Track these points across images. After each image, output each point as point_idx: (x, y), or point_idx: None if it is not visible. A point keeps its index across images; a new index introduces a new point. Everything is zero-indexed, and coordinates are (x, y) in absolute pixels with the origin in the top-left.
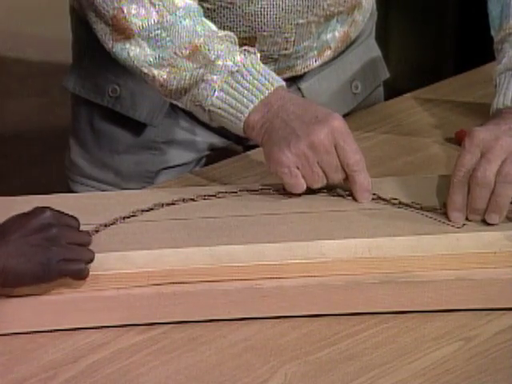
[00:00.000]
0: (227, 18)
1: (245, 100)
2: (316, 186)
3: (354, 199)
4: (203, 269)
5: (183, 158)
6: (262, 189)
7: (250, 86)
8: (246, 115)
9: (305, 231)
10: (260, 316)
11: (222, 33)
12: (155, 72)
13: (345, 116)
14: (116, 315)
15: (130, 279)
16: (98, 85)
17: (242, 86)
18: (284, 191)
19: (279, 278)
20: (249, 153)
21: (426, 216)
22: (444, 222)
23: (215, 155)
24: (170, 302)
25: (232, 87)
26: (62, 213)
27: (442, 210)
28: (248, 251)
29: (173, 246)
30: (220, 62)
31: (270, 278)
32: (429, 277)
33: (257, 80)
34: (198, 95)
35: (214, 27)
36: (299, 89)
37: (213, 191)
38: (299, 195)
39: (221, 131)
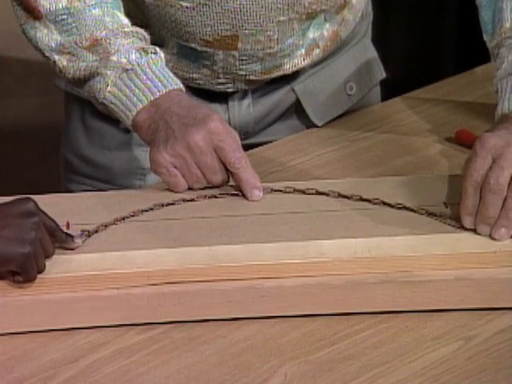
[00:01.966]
0: (207, 16)
1: (135, 99)
2: (196, 186)
3: (375, 203)
4: (203, 269)
5: None
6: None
7: (142, 86)
8: (134, 114)
9: (304, 231)
10: (260, 316)
11: (130, 28)
12: (56, 57)
13: (339, 117)
14: (116, 315)
15: (129, 279)
16: None
17: (134, 85)
18: (284, 191)
19: (279, 277)
20: (248, 153)
21: (426, 216)
22: (444, 222)
23: None
24: (170, 301)
25: (125, 84)
26: (45, 214)
27: (441, 213)
28: (247, 251)
29: (172, 246)
30: (115, 58)
31: (270, 277)
32: (428, 277)
33: (150, 80)
34: (93, 87)
35: (125, 21)
36: (293, 90)
37: (213, 191)
38: (299, 195)
39: None
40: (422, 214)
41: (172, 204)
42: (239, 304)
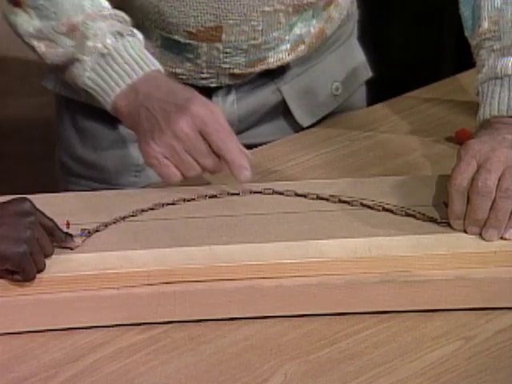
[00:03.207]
0: (190, 7)
1: (112, 83)
2: (190, 174)
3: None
4: (203, 268)
5: None
6: (262, 189)
7: (120, 70)
8: (113, 98)
9: (304, 231)
10: (260, 315)
11: (109, 11)
12: (35, 43)
13: (326, 117)
14: (116, 315)
15: (129, 279)
16: None
17: (111, 69)
18: (284, 191)
19: (279, 277)
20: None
21: (426, 216)
22: (444, 222)
23: None
24: (170, 301)
25: (102, 69)
26: (42, 213)
27: (441, 220)
28: (247, 251)
29: (173, 246)
30: (91, 44)
31: (270, 277)
32: (429, 276)
33: (127, 64)
34: (72, 73)
35: (105, 4)
36: (279, 90)
37: (213, 191)
38: (299, 195)
39: None
40: (423, 220)
41: (172, 204)
42: (239, 304)
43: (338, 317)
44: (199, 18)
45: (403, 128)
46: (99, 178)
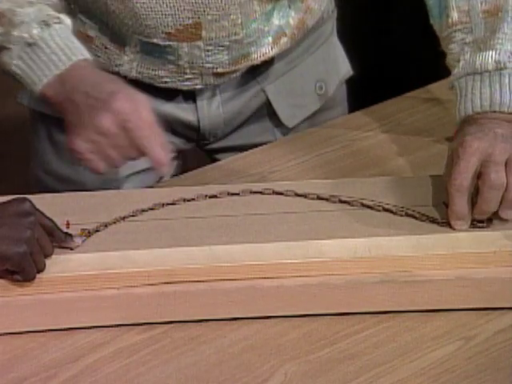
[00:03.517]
0: (167, 5)
1: (39, 72)
2: (118, 166)
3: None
4: (203, 268)
5: (147, 163)
6: (262, 189)
7: (46, 60)
8: (40, 88)
9: (304, 231)
10: (260, 316)
11: None
12: None
13: (310, 117)
14: (116, 315)
15: (129, 279)
16: None
17: (38, 58)
18: (284, 191)
19: (279, 277)
20: (248, 153)
21: (426, 216)
22: (444, 222)
23: (185, 157)
24: (170, 301)
25: (30, 58)
26: (41, 213)
27: (441, 220)
28: (248, 251)
29: (172, 246)
30: (17, 33)
31: (270, 277)
32: (429, 276)
33: (54, 54)
34: (1, 59)
35: None
36: (263, 91)
37: (213, 191)
38: (299, 195)
39: (182, 134)
40: (423, 220)
41: (172, 204)
42: (239, 304)
43: (338, 317)
44: (176, 15)
45: (403, 128)
46: None
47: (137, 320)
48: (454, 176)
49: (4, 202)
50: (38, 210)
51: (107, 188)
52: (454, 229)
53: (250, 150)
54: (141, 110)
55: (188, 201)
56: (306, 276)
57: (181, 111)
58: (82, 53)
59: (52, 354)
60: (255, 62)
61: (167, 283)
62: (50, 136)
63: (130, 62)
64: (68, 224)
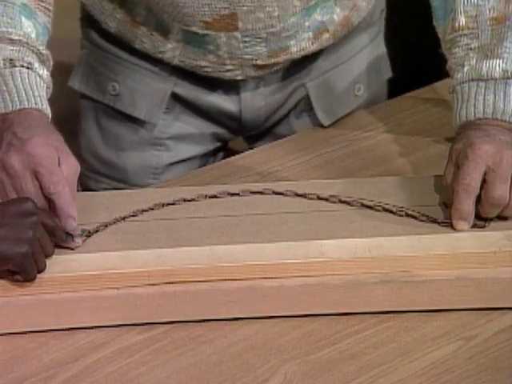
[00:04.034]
0: None
1: None
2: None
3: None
4: (203, 268)
5: (190, 152)
6: (262, 189)
7: None
8: None
9: (305, 231)
10: (260, 316)
11: (20, 37)
12: None
13: (345, 117)
14: (116, 315)
15: (130, 279)
16: (100, 83)
17: None
18: (284, 191)
19: (279, 277)
20: (248, 153)
21: (426, 216)
22: (444, 222)
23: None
24: (170, 301)
25: None
26: (45, 211)
27: (441, 220)
28: (248, 251)
29: (173, 246)
30: None
31: (270, 277)
32: (429, 277)
33: (8, 93)
34: None
35: (24, 30)
36: (304, 86)
37: (213, 191)
38: (299, 195)
39: (224, 124)
40: (423, 220)
41: (172, 204)
42: (240, 304)
43: (338, 317)
44: (213, 5)
45: (403, 128)
46: (118, 178)
47: (137, 320)
48: (463, 176)
49: (6, 202)
50: (40, 209)
51: (147, 176)
52: (455, 229)
53: (251, 150)
54: (63, 160)
55: (188, 201)
56: (306, 276)
57: (223, 101)
58: (37, 102)
59: (52, 354)
60: (295, 56)
61: (168, 283)
62: (97, 121)
63: (172, 49)
64: None
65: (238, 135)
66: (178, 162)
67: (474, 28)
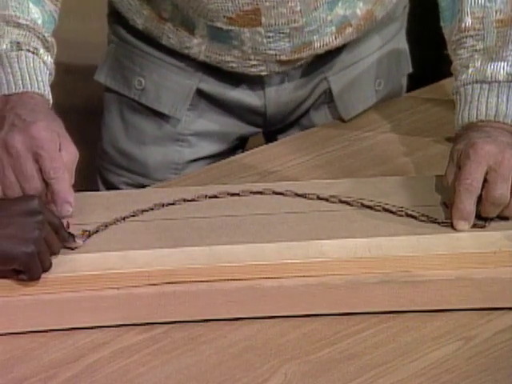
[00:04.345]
0: None
1: None
2: (8, 192)
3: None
4: (203, 268)
5: (212, 150)
6: (262, 189)
7: (3, 77)
8: None
9: (305, 231)
10: (260, 316)
11: (27, 22)
12: None
13: (364, 112)
14: (116, 315)
15: (130, 279)
16: (126, 77)
17: None
18: (284, 191)
19: (279, 277)
20: (248, 153)
21: (426, 216)
22: (444, 222)
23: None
24: (170, 301)
25: None
26: (49, 210)
27: (441, 219)
28: (248, 251)
29: (173, 246)
30: None
31: (270, 277)
32: (429, 277)
33: (12, 75)
34: None
35: (32, 15)
36: (327, 80)
37: (213, 191)
38: (299, 195)
39: (248, 119)
40: (423, 220)
41: (172, 204)
42: (240, 304)
43: (338, 317)
44: (236, 1)
45: (403, 128)
46: (139, 172)
47: (137, 320)
48: (465, 176)
49: (13, 199)
50: (46, 207)
51: (168, 171)
52: (456, 229)
53: (251, 150)
54: (64, 147)
55: (188, 201)
56: (307, 276)
57: (248, 96)
58: (39, 87)
59: (52, 354)
60: (318, 51)
61: (168, 283)
62: (121, 114)
63: (198, 45)
64: (68, 225)
65: (262, 130)
66: (199, 159)
67: (479, 29)
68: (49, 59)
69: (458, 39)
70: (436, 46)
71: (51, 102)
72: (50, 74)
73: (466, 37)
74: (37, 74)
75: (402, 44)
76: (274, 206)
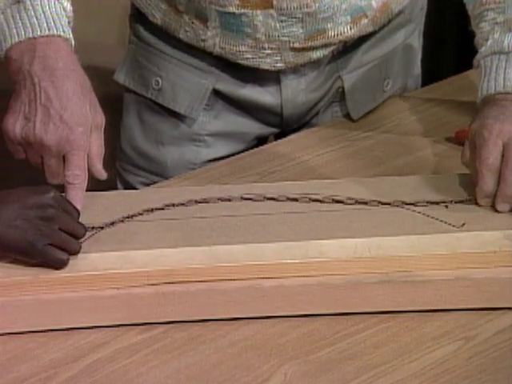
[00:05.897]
0: None
1: (14, 31)
2: (35, 163)
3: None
4: (203, 268)
5: (229, 150)
6: (262, 189)
7: (26, 21)
8: (8, 47)
9: (304, 231)
10: (260, 316)
11: None
12: None
13: (369, 112)
14: (116, 315)
15: (129, 279)
16: (144, 77)
17: (20, 18)
18: (278, 196)
19: (279, 277)
20: (248, 153)
21: (426, 216)
22: (444, 222)
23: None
24: (170, 301)
25: (12, 15)
26: (66, 200)
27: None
28: (248, 251)
29: (173, 246)
30: None
31: (270, 277)
32: (429, 277)
33: (37, 18)
34: None
35: None
36: (341, 79)
37: (213, 191)
38: (294, 200)
39: (265, 120)
40: (422, 220)
41: (172, 204)
42: (239, 304)
43: (338, 317)
44: None
45: (403, 128)
46: (156, 172)
47: (137, 320)
48: (486, 156)
49: (28, 189)
50: (61, 197)
51: (185, 171)
52: (480, 204)
53: (251, 150)
54: (83, 155)
55: (188, 201)
56: (306, 276)
57: (264, 95)
58: (64, 30)
59: (52, 354)
60: (332, 41)
61: (167, 283)
62: (139, 114)
63: (213, 37)
64: None
65: (279, 131)
66: (216, 159)
67: (500, 2)
68: (68, 6)
69: (480, 13)
70: (436, 45)
71: (73, 43)
72: (69, 22)
73: (487, 10)
74: (60, 18)
75: (415, 45)
76: (273, 206)
